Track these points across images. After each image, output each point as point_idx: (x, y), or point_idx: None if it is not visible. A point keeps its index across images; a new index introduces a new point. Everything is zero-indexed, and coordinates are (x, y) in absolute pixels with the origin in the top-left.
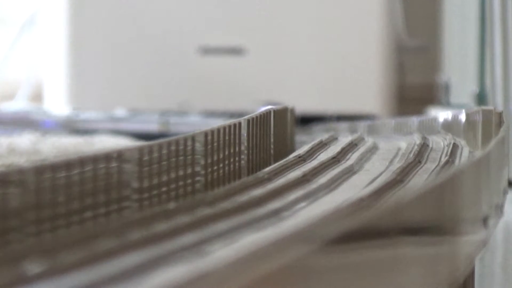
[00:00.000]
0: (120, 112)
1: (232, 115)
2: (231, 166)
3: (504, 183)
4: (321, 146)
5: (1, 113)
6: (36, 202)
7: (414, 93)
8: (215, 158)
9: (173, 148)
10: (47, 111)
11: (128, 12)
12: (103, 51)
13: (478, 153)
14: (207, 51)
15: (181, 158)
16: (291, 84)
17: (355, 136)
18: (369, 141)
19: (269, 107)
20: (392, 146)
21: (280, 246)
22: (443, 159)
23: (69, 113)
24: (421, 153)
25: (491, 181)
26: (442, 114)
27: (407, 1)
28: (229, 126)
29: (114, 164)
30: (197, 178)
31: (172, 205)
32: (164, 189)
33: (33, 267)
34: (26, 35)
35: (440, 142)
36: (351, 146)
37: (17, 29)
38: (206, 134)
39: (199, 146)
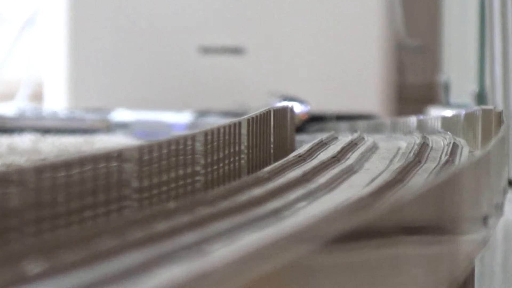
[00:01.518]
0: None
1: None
2: (231, 165)
3: (504, 182)
4: (321, 145)
5: (137, 118)
6: (36, 202)
7: (414, 93)
8: (215, 157)
9: (173, 147)
10: (174, 115)
11: (128, 12)
12: (103, 51)
13: (478, 152)
14: (207, 51)
15: (181, 157)
16: (291, 84)
17: (355, 135)
18: (369, 140)
19: (269, 106)
20: (392, 145)
21: (280, 246)
22: (443, 159)
23: (192, 116)
24: (421, 153)
25: (491, 181)
26: (442, 114)
27: (407, 1)
28: (229, 126)
29: (114, 164)
30: (197, 178)
31: (172, 204)
32: (164, 188)
33: (33, 267)
34: (26, 34)
35: (440, 142)
36: (351, 146)
37: (17, 29)
38: (206, 133)
39: (199, 146)
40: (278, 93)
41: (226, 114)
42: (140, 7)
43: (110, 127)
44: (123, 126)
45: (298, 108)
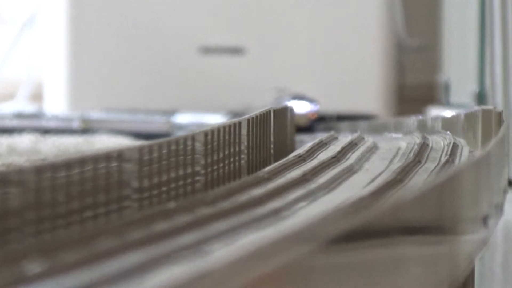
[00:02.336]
0: None
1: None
2: (231, 165)
3: (504, 182)
4: (321, 145)
5: (193, 120)
6: (36, 202)
7: (414, 93)
8: (215, 157)
9: (173, 147)
10: (216, 117)
11: (128, 12)
12: (103, 51)
13: (478, 152)
14: (207, 51)
15: (181, 157)
16: (291, 84)
17: (355, 135)
18: (369, 140)
19: (269, 107)
20: (392, 145)
21: (280, 246)
22: (443, 159)
23: (227, 118)
24: (421, 153)
25: (491, 181)
26: (442, 114)
27: (407, 1)
28: (229, 126)
29: (114, 164)
30: (197, 178)
31: (172, 204)
32: (164, 188)
33: (33, 267)
34: (26, 35)
35: (440, 142)
36: (351, 146)
37: (17, 29)
38: (206, 133)
39: (199, 146)
40: (287, 91)
41: None
42: (140, 7)
43: (172, 129)
44: (182, 128)
45: (308, 107)
